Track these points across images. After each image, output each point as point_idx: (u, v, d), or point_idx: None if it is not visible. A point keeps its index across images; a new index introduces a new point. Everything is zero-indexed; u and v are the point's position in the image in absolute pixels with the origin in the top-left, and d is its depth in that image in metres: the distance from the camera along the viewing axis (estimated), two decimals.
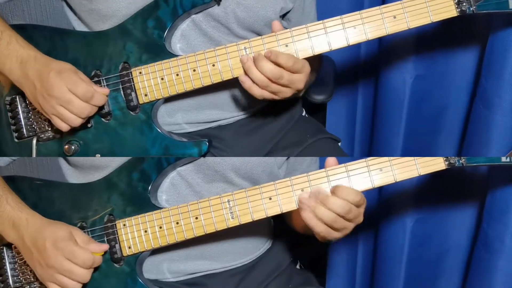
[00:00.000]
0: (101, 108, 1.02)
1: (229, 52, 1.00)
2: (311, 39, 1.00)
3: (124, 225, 1.03)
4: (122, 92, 1.04)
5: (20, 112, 1.07)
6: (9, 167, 1.18)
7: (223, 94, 1.12)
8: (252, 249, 1.15)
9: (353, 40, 1.00)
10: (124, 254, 1.03)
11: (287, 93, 1.01)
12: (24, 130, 1.07)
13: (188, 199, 1.05)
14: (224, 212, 0.99)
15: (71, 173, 1.12)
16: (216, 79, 1.02)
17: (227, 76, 1.01)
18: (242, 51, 1.00)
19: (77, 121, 0.99)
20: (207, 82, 1.02)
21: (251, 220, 0.99)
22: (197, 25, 1.06)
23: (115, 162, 1.04)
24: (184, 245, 1.07)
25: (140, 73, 1.03)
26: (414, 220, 1.48)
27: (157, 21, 1.03)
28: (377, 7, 0.99)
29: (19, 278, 1.07)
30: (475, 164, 0.98)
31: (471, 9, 0.99)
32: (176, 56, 1.02)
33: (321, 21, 1.00)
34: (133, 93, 1.04)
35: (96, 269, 1.01)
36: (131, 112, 1.04)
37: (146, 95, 1.03)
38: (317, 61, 1.20)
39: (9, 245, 1.07)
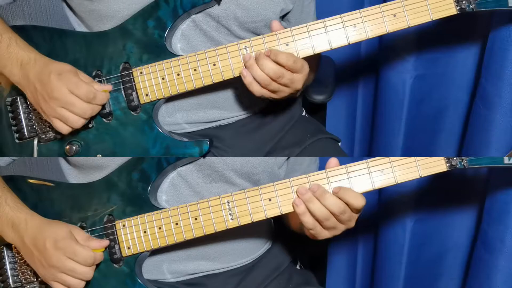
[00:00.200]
0: (102, 108, 1.02)
1: (230, 52, 1.00)
2: (312, 38, 1.00)
3: (124, 225, 1.03)
4: (123, 92, 1.04)
5: (21, 113, 1.07)
6: (9, 167, 1.18)
7: (223, 94, 1.12)
8: (252, 249, 1.15)
9: (353, 39, 1.00)
10: (124, 255, 1.03)
11: (285, 92, 1.01)
12: (25, 131, 1.07)
13: (188, 199, 1.05)
14: (224, 213, 0.99)
15: (71, 173, 1.11)
16: (217, 79, 1.02)
17: (228, 75, 1.01)
18: (243, 51, 1.00)
19: (79, 122, 0.99)
20: (208, 81, 1.02)
21: (250, 222, 0.99)
22: (198, 25, 1.06)
23: (115, 162, 1.04)
24: (184, 246, 1.07)
25: (141, 73, 1.03)
26: (414, 221, 1.48)
27: (157, 21, 1.03)
28: (377, 6, 0.99)
29: (19, 278, 1.07)
30: (477, 166, 0.97)
31: (471, 7, 0.99)
32: (177, 56, 1.02)
33: (321, 20, 1.00)
34: (134, 93, 1.03)
35: (95, 269, 1.01)
36: (132, 112, 1.04)
37: (147, 95, 1.03)
38: (315, 61, 1.20)
39: (9, 245, 1.07)
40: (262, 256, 1.18)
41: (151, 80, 1.03)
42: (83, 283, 0.99)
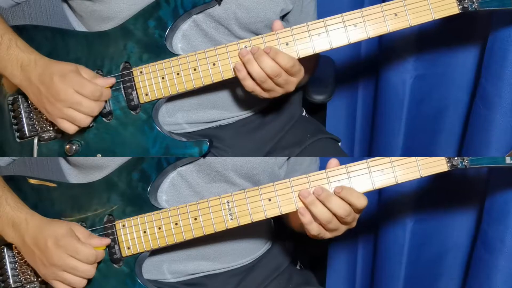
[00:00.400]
0: (102, 107, 1.02)
1: (230, 51, 1.00)
2: (312, 37, 1.00)
3: (124, 225, 1.02)
4: (123, 91, 1.04)
5: (22, 112, 1.07)
6: (9, 167, 1.17)
7: (224, 94, 1.12)
8: (252, 249, 1.15)
9: (354, 38, 1.00)
10: (123, 255, 1.03)
11: (277, 93, 1.01)
12: (26, 130, 1.07)
13: (188, 199, 1.05)
14: (223, 213, 0.99)
15: (71, 173, 1.11)
16: (217, 78, 1.01)
17: (228, 75, 1.01)
18: None
19: (87, 121, 1.00)
20: (207, 81, 1.02)
21: (250, 222, 0.99)
22: (198, 26, 1.06)
23: (115, 162, 1.04)
24: (184, 246, 1.07)
25: (141, 72, 1.03)
26: (414, 221, 1.48)
27: (158, 21, 1.02)
28: (378, 5, 0.99)
29: (19, 278, 1.07)
30: (478, 166, 0.97)
31: (473, 6, 0.99)
32: (177, 55, 1.02)
33: (321, 20, 1.00)
34: (134, 93, 1.03)
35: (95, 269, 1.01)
36: (132, 112, 1.04)
37: (147, 94, 1.03)
38: (312, 63, 1.20)
39: (9, 245, 1.07)
40: (262, 256, 1.18)
41: (151, 80, 1.03)
42: (85, 282, 0.99)
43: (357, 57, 1.63)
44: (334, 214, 0.93)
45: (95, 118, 1.03)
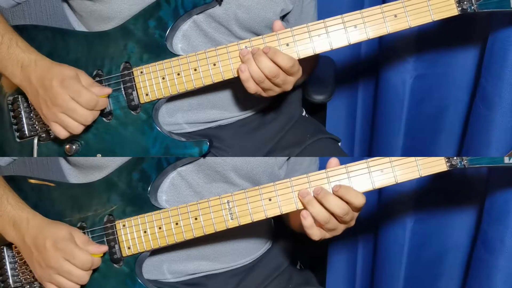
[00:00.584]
0: (96, 116, 1.02)
1: (230, 52, 1.00)
2: (312, 38, 1.00)
3: (124, 225, 1.03)
4: (123, 91, 1.04)
5: (22, 112, 1.07)
6: (9, 167, 1.18)
7: (224, 94, 1.12)
8: (252, 249, 1.15)
9: (354, 39, 1.00)
10: (124, 255, 1.03)
11: (275, 92, 1.01)
12: (26, 130, 1.07)
13: (188, 199, 1.05)
14: (224, 213, 0.99)
15: (71, 173, 1.11)
16: (217, 79, 1.01)
17: (228, 75, 1.01)
18: None
19: (79, 129, 1.00)
20: (208, 81, 1.02)
21: (250, 221, 0.99)
22: (199, 26, 1.06)
23: (116, 162, 1.04)
24: (184, 246, 1.07)
25: (141, 72, 1.03)
26: (414, 221, 1.48)
27: (158, 21, 1.03)
28: (378, 6, 0.99)
29: (19, 278, 1.07)
30: (477, 166, 0.97)
31: (472, 8, 0.99)
32: (177, 56, 1.02)
33: (322, 20, 1.00)
34: (134, 93, 1.03)
35: (95, 269, 1.01)
36: (132, 112, 1.04)
37: (147, 94, 1.03)
38: (310, 63, 1.20)
39: (9, 245, 1.07)
40: (262, 256, 1.18)
41: (151, 80, 1.03)
42: (78, 287, 0.99)
43: (357, 57, 1.63)
44: (332, 214, 0.93)
45: (90, 125, 1.03)
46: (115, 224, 1.03)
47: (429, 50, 1.39)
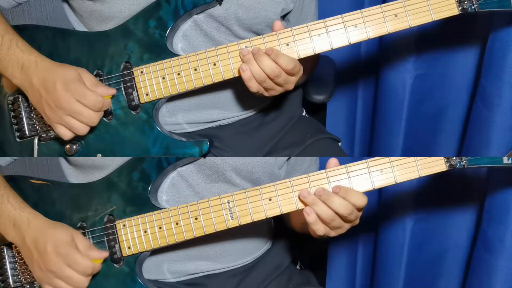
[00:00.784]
0: (101, 117, 1.02)
1: (230, 52, 1.00)
2: (312, 38, 1.00)
3: (124, 225, 1.03)
4: (123, 91, 1.04)
5: (23, 112, 1.07)
6: (9, 167, 1.18)
7: (224, 94, 1.12)
8: (252, 249, 1.15)
9: (354, 39, 1.00)
10: (124, 255, 1.03)
11: (277, 91, 1.01)
12: (26, 130, 1.07)
13: (188, 199, 1.05)
14: (224, 213, 0.99)
15: (71, 173, 1.11)
16: (217, 79, 1.01)
17: (228, 75, 1.01)
18: None
19: (85, 130, 1.00)
20: (208, 81, 1.02)
21: (250, 221, 0.99)
22: (199, 26, 1.06)
23: (116, 162, 1.04)
24: (184, 246, 1.07)
25: (142, 72, 1.03)
26: (414, 220, 1.48)
27: (158, 21, 1.03)
28: (379, 6, 0.99)
29: (19, 278, 1.07)
30: (476, 166, 0.98)
31: (473, 7, 0.99)
32: (178, 56, 1.02)
33: (322, 20, 1.00)
34: (134, 93, 1.04)
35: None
36: (132, 112, 1.04)
37: (147, 94, 1.03)
38: (310, 63, 1.20)
39: (9, 245, 1.07)
40: (262, 256, 1.18)
41: (152, 80, 1.03)
42: None
43: (357, 57, 1.63)
44: (337, 213, 0.93)
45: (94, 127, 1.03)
46: (115, 224, 1.03)
47: (429, 50, 1.39)
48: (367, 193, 0.97)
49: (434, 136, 1.52)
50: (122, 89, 1.04)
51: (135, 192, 1.03)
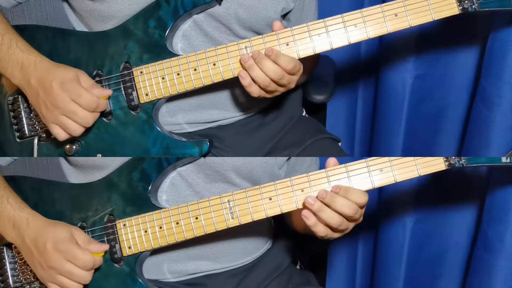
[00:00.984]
0: (96, 118, 1.02)
1: (230, 52, 1.00)
2: (312, 37, 1.00)
3: (124, 225, 1.03)
4: (123, 91, 1.04)
5: (22, 112, 1.07)
6: (9, 167, 1.18)
7: (224, 94, 1.12)
8: (252, 249, 1.15)
9: (354, 39, 1.00)
10: (124, 254, 1.03)
11: (280, 92, 1.02)
12: (26, 130, 1.07)
13: (188, 199, 1.05)
14: (224, 212, 0.99)
15: (72, 173, 1.11)
16: (217, 79, 1.01)
17: (228, 75, 1.01)
18: (243, 50, 1.00)
19: (79, 131, 1.00)
20: (208, 81, 1.02)
21: (251, 221, 0.99)
22: (199, 26, 1.06)
23: (116, 162, 1.04)
24: (184, 245, 1.07)
25: (141, 72, 1.03)
26: (414, 220, 1.48)
27: (158, 21, 1.03)
28: (378, 5, 0.99)
29: (19, 278, 1.07)
30: (475, 165, 0.98)
31: (473, 7, 0.99)
32: (177, 55, 1.02)
33: (322, 20, 1.00)
34: (134, 93, 1.04)
35: (96, 269, 1.01)
36: (132, 112, 1.04)
37: (147, 94, 1.03)
38: (310, 63, 1.20)
39: (9, 245, 1.07)
40: (262, 256, 1.18)
41: (151, 80, 1.03)
42: (80, 287, 0.99)
43: (357, 57, 1.63)
44: (342, 215, 0.93)
45: (90, 126, 1.03)
46: (115, 224, 1.03)
47: (429, 50, 1.39)
48: (368, 192, 0.97)
49: (434, 136, 1.52)
50: (122, 89, 1.04)
51: (135, 192, 1.03)
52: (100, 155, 1.05)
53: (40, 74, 0.98)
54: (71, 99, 0.97)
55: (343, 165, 0.97)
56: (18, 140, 1.09)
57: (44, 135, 1.07)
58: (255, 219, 0.99)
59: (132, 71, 1.03)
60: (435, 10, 0.99)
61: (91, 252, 0.98)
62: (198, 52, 1.01)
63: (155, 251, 1.06)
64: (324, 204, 0.94)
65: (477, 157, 0.98)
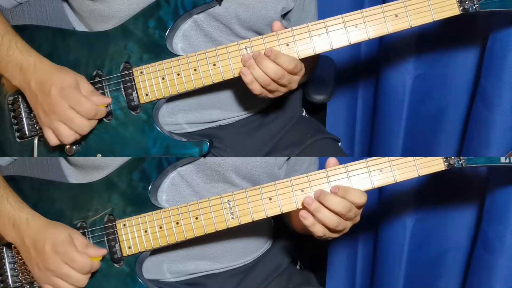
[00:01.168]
0: (93, 127, 1.02)
1: (230, 52, 1.00)
2: (312, 38, 1.00)
3: (124, 225, 1.03)
4: (123, 92, 1.04)
5: (22, 112, 1.07)
6: (9, 167, 1.18)
7: (224, 94, 1.12)
8: (252, 249, 1.15)
9: (354, 39, 1.00)
10: (124, 254, 1.03)
11: (282, 92, 1.02)
12: (26, 130, 1.07)
13: (188, 199, 1.05)
14: (224, 212, 0.99)
15: (72, 173, 1.11)
16: (217, 79, 1.02)
17: (228, 75, 1.01)
18: (243, 51, 1.00)
19: (71, 138, 0.99)
20: (208, 81, 1.02)
21: (251, 221, 0.99)
22: (199, 26, 1.06)
23: (116, 162, 1.04)
24: (184, 245, 1.07)
25: (141, 72, 1.03)
26: (414, 220, 1.48)
27: (158, 21, 1.03)
28: (379, 6, 0.99)
29: (19, 278, 1.07)
30: (474, 165, 0.98)
31: (474, 7, 0.99)
32: (177, 56, 1.02)
33: (322, 20, 1.00)
34: (134, 93, 1.04)
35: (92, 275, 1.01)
36: (132, 112, 1.04)
37: (147, 94, 1.03)
38: (311, 63, 1.20)
39: (9, 245, 1.07)
40: (262, 256, 1.18)
41: (151, 80, 1.03)
42: None
43: (357, 57, 1.63)
44: (336, 213, 0.93)
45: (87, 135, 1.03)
46: (115, 224, 1.03)
47: (429, 50, 1.39)
48: (368, 192, 0.97)
49: (434, 136, 1.52)
50: (122, 89, 1.04)
51: (135, 192, 1.03)
52: (100, 155, 1.05)
53: (40, 77, 0.98)
54: (69, 106, 0.97)
55: (342, 165, 0.97)
56: (18, 140, 1.08)
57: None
58: (255, 219, 0.99)
59: (132, 71, 1.03)
60: (436, 11, 0.99)
61: (89, 256, 0.98)
62: (198, 52, 1.01)
63: (155, 251, 1.06)
64: (318, 202, 0.94)
65: (477, 157, 0.98)
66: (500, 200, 1.20)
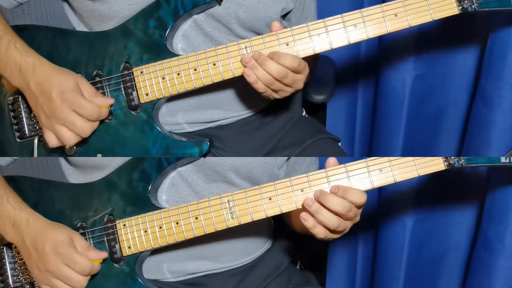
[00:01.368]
0: (95, 128, 1.02)
1: (230, 51, 1.00)
2: (312, 37, 1.00)
3: (124, 225, 1.03)
4: (123, 91, 1.04)
5: (22, 112, 1.07)
6: (9, 167, 1.17)
7: (224, 94, 1.12)
8: (252, 249, 1.15)
9: (354, 39, 1.00)
10: (124, 254, 1.03)
11: (287, 92, 1.02)
12: (26, 130, 1.07)
13: (188, 199, 1.05)
14: (224, 212, 0.99)
15: (71, 173, 1.11)
16: (217, 79, 1.02)
17: (228, 75, 1.01)
18: (243, 50, 1.00)
19: (74, 141, 0.99)
20: (208, 81, 1.02)
21: (251, 221, 0.99)
22: (199, 26, 1.06)
23: (116, 162, 1.04)
24: (184, 245, 1.07)
25: (141, 72, 1.03)
26: (414, 220, 1.48)
27: (158, 21, 1.03)
28: (378, 5, 0.99)
29: (19, 278, 1.07)
30: (474, 165, 0.98)
31: (473, 6, 0.99)
32: (177, 55, 1.02)
33: (321, 20, 1.00)
34: (134, 93, 1.04)
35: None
36: (132, 112, 1.04)
37: (147, 94, 1.03)
38: (311, 63, 1.20)
39: (9, 245, 1.07)
40: (262, 256, 1.18)
41: (151, 80, 1.03)
42: None
43: (357, 57, 1.63)
44: (336, 213, 0.93)
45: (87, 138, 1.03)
46: (115, 224, 1.03)
47: (429, 50, 1.39)
48: (368, 192, 0.97)
49: (434, 136, 1.52)
50: (122, 89, 1.04)
51: (135, 192, 1.03)
52: (100, 155, 1.05)
53: (39, 79, 0.97)
54: (71, 110, 0.96)
55: (342, 165, 0.98)
56: (18, 140, 1.08)
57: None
58: (255, 219, 0.99)
59: (132, 71, 1.03)
60: (435, 10, 0.99)
61: (90, 258, 0.98)
62: (198, 52, 1.01)
63: (155, 251, 1.06)
64: (318, 203, 0.94)
65: (477, 157, 0.98)
66: (500, 200, 1.20)
